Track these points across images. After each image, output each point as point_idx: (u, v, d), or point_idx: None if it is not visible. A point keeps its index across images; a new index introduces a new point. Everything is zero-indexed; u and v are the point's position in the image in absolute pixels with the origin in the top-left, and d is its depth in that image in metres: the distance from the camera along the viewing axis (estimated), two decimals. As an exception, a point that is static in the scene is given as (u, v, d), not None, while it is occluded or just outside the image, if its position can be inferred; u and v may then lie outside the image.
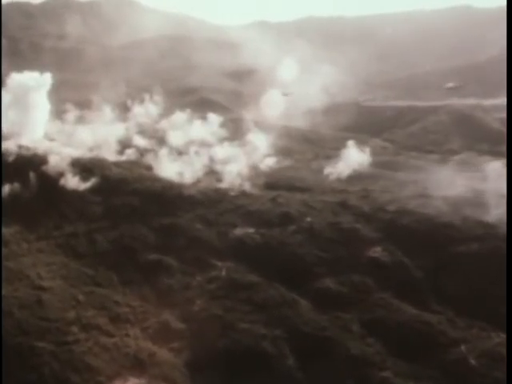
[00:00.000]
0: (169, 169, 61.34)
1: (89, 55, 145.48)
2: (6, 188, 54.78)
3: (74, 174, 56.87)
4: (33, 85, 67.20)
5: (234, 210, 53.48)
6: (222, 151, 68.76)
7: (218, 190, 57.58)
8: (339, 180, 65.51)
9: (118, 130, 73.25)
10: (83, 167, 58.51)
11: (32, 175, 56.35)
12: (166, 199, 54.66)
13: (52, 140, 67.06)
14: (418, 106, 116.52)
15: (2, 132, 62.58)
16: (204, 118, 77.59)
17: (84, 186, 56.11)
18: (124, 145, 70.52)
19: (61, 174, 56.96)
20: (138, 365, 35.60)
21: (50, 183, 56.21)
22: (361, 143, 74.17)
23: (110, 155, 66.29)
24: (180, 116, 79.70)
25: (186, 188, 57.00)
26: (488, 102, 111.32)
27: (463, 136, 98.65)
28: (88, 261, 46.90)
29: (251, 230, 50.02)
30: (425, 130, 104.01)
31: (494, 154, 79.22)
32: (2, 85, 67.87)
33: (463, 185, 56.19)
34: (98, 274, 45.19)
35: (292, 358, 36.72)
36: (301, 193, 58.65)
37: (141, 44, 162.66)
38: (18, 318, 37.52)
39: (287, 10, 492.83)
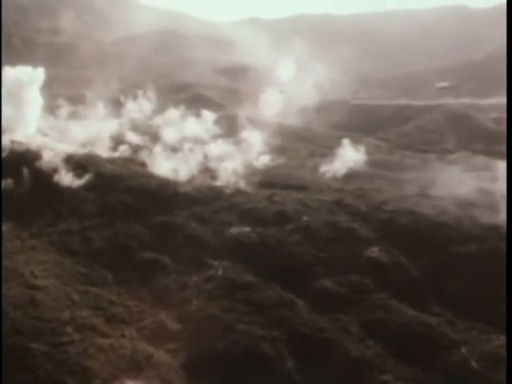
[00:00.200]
0: (163, 166, 60.78)
1: (82, 50, 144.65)
2: (-1, 184, 53.96)
3: (68, 171, 56.17)
4: (26, 80, 66.33)
5: (229, 209, 52.99)
6: (216, 148, 68.29)
7: (213, 188, 57.03)
8: (335, 178, 65.18)
9: (111, 126, 72.71)
10: (77, 163, 57.81)
11: (25, 171, 55.59)
12: (162, 197, 54.09)
13: (45, 135, 66.19)
14: (413, 104, 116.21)
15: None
16: (198, 115, 77.11)
17: (78, 182, 55.43)
18: (117, 141, 69.88)
19: (54, 171, 56.24)
20: (135, 366, 34.94)
21: (43, 179, 55.45)
22: (355, 142, 73.78)
23: (104, 151, 65.61)
24: (174, 112, 79.13)
25: (181, 185, 56.42)
26: (483, 102, 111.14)
27: (458, 135, 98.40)
28: (82, 259, 46.19)
29: (247, 229, 49.53)
30: (419, 128, 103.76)
31: (489, 154, 79.34)
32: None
33: (459, 184, 55.98)
34: (92, 272, 44.50)
35: (291, 360, 36.22)
36: (296, 191, 58.20)
37: (134, 39, 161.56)
38: (12, 318, 36.73)
39: (278, 7, 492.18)
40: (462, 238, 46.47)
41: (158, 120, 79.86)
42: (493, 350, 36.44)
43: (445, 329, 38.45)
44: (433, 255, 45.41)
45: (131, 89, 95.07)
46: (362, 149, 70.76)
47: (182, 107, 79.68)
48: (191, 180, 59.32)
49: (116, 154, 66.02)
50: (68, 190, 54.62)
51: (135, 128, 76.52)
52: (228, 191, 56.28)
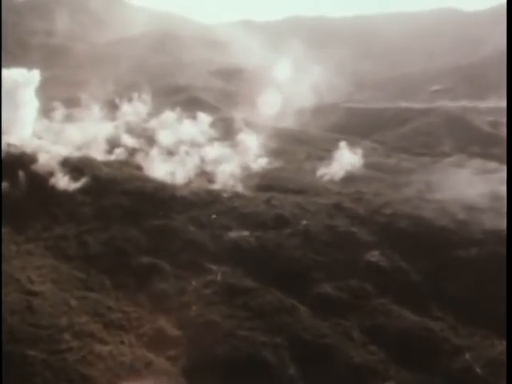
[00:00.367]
0: (159, 169, 60.31)
1: (77, 52, 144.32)
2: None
3: (64, 174, 55.47)
4: (21, 81, 65.71)
5: (227, 212, 52.48)
6: (212, 151, 67.96)
7: (210, 192, 56.57)
8: (333, 181, 64.82)
9: (106, 129, 72.22)
10: (73, 167, 57.06)
11: (21, 174, 54.78)
12: (158, 200, 53.49)
13: (40, 138, 65.50)
14: (409, 107, 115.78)
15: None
16: (194, 118, 76.77)
17: (74, 185, 54.69)
18: (113, 144, 69.28)
19: (50, 174, 55.51)
20: (135, 374, 34.34)
21: (39, 183, 54.69)
22: (352, 144, 73.52)
23: (99, 154, 65.00)
24: (169, 115, 78.66)
25: (178, 189, 55.90)
26: (479, 104, 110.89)
27: (455, 138, 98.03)
28: (79, 264, 45.49)
29: (246, 233, 49.05)
30: (415, 131, 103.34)
31: (486, 157, 79.21)
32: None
33: (458, 187, 55.74)
34: (89, 277, 43.82)
35: (293, 367, 35.74)
36: (295, 194, 57.79)
37: (129, 41, 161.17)
38: (9, 325, 36.00)
39: (273, 9, 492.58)
40: (462, 242, 46.19)
41: (153, 123, 79.36)
42: (496, 355, 36.14)
43: (447, 334, 38.12)
44: (433, 259, 45.10)
45: (126, 91, 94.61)
46: (359, 151, 70.53)
47: (178, 110, 79.14)
48: (188, 183, 58.90)
49: (112, 157, 65.46)
50: (64, 194, 53.90)
51: (131, 131, 75.89)
52: (225, 195, 55.79)
